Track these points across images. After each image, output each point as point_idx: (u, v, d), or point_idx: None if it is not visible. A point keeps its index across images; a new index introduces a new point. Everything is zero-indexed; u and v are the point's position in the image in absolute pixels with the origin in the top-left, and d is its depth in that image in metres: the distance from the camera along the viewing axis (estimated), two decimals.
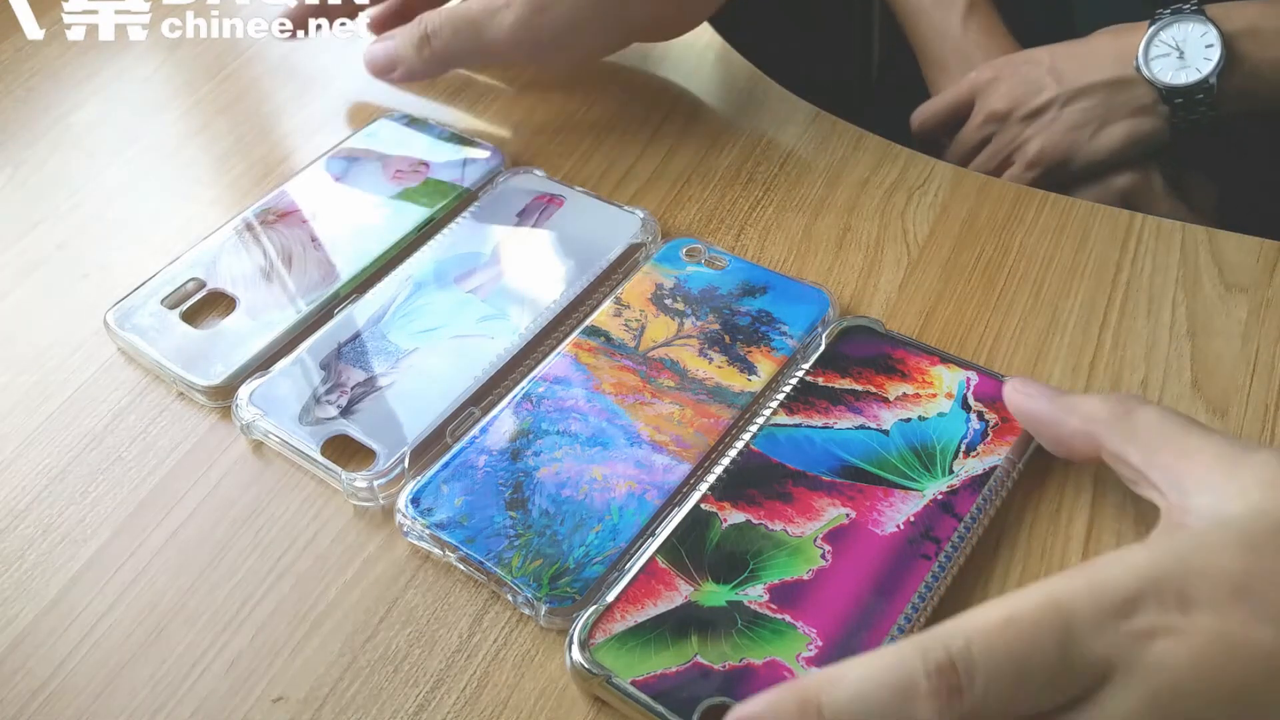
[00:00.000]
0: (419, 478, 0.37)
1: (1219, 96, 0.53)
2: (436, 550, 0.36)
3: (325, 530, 0.37)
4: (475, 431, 0.39)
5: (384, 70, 0.52)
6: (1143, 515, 0.35)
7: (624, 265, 0.45)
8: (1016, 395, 0.36)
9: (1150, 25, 0.55)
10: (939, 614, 0.33)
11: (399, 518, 0.36)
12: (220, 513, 0.38)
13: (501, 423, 0.39)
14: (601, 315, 0.42)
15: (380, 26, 0.55)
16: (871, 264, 0.45)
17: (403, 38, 0.51)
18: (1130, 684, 0.24)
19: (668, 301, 0.43)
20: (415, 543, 0.36)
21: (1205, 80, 0.53)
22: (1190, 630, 0.25)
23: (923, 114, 0.64)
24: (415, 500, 0.36)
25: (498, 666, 0.33)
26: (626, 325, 0.42)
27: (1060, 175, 0.59)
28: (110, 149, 0.54)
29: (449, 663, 0.34)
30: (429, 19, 0.50)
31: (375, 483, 0.37)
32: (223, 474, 0.39)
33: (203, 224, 0.48)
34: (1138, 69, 0.55)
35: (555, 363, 0.41)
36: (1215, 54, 0.53)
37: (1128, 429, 0.33)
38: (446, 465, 0.37)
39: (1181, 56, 0.54)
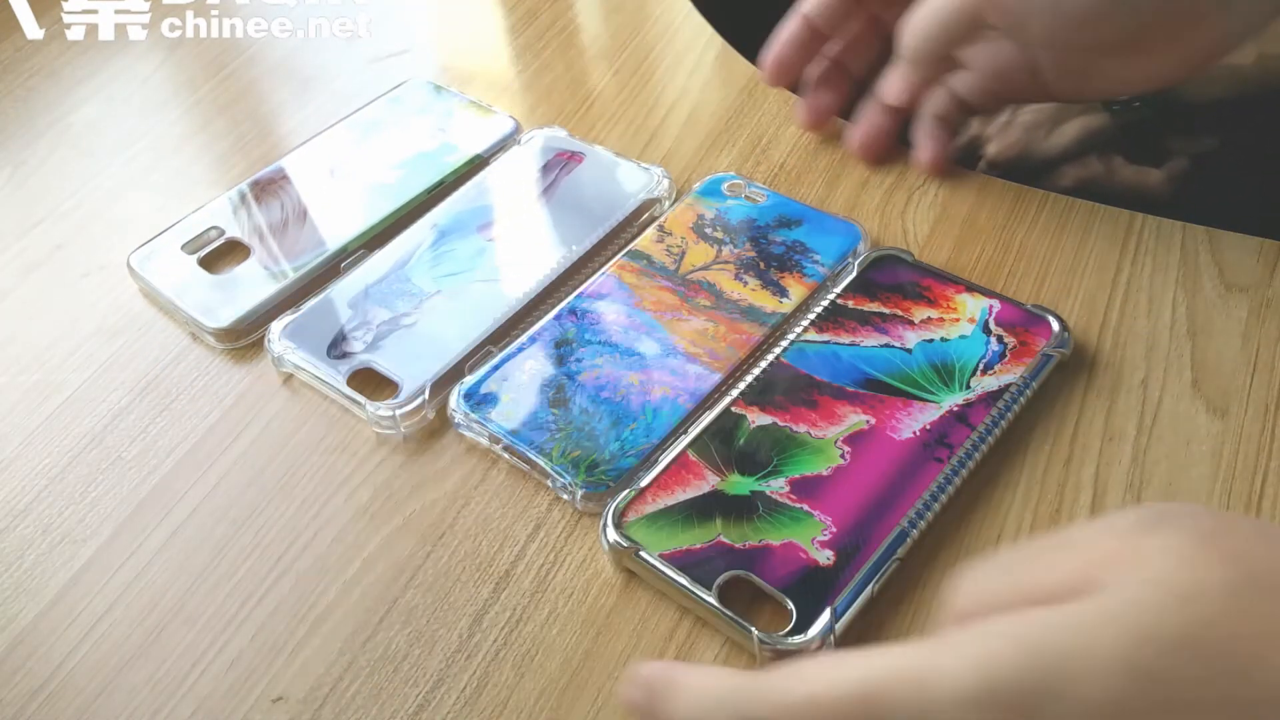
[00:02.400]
0: (470, 377, 0.40)
1: (1151, 98, 0.55)
2: (484, 441, 0.39)
3: (325, 530, 0.37)
4: (524, 340, 0.41)
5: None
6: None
7: (639, 219, 0.47)
8: None
9: None
10: (946, 511, 0.35)
11: (450, 410, 0.39)
12: (220, 512, 0.38)
13: (548, 332, 0.42)
14: (644, 240, 0.45)
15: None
16: None
17: None
18: None
19: (708, 230, 0.45)
20: (465, 434, 0.39)
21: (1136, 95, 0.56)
22: None
23: None
24: (467, 396, 0.39)
25: (497, 667, 0.33)
26: (668, 250, 0.45)
27: (1021, 170, 0.61)
28: (110, 149, 0.54)
29: (449, 663, 0.34)
30: None
31: (398, 412, 0.39)
32: (222, 474, 0.39)
33: None
34: None
35: (600, 281, 0.43)
36: None
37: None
38: (497, 367, 0.40)
39: None
